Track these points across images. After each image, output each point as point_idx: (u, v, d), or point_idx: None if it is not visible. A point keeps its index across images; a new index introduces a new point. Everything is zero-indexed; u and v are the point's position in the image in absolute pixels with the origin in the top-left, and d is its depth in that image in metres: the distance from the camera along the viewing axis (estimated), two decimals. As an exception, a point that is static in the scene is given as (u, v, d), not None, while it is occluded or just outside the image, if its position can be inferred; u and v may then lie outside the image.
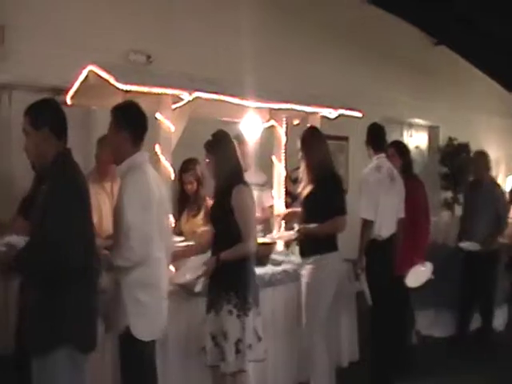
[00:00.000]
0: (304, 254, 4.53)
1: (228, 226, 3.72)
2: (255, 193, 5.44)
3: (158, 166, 4.08)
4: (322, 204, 4.36)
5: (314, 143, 4.53)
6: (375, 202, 4.83)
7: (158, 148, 4.09)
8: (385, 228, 4.89)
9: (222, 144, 3.83)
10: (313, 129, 4.80)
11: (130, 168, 3.34)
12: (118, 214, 3.28)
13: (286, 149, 5.49)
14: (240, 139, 5.40)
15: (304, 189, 4.53)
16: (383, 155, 5.08)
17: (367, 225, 4.83)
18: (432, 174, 10.48)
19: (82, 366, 2.96)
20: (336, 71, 8.38)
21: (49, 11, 5.69)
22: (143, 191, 3.28)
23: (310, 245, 4.45)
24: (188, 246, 4.30)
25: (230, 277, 3.72)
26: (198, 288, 3.81)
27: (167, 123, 4.10)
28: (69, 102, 4.58)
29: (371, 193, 4.85)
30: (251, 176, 5.48)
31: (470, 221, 6.20)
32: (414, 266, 5.19)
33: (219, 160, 3.80)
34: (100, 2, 6.12)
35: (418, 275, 5.24)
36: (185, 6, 6.78)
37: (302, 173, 4.57)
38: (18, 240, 2.95)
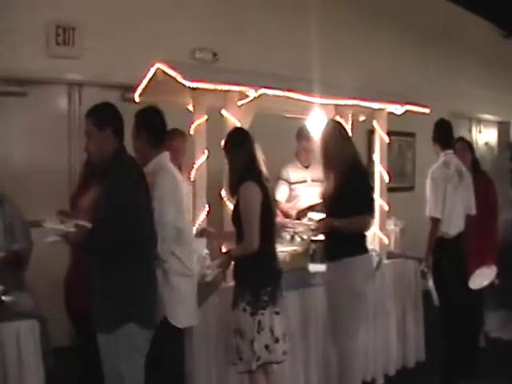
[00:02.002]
0: (330, 257, 4.09)
1: (240, 222, 3.68)
2: (317, 189, 5.43)
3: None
4: (348, 201, 3.88)
5: (331, 140, 4.12)
6: (442, 200, 4.75)
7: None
8: (453, 226, 4.80)
9: (233, 143, 3.78)
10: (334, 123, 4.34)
11: (155, 170, 3.49)
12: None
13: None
14: (304, 135, 5.40)
15: (326, 189, 4.16)
16: (451, 151, 4.99)
17: (434, 223, 4.75)
18: (502, 172, 10.17)
19: (144, 343, 3.12)
20: (402, 66, 8.23)
21: (117, 12, 5.81)
22: (173, 190, 3.47)
23: (337, 247, 4.01)
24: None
25: (244, 274, 3.69)
26: (209, 278, 3.82)
27: (233, 120, 4.13)
28: (137, 99, 4.66)
29: (438, 190, 4.76)
30: (312, 172, 5.47)
31: None
32: (482, 267, 5.06)
33: (232, 159, 3.77)
34: (167, 1, 6.21)
35: (482, 277, 5.11)
36: (250, 3, 6.80)
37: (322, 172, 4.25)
38: (85, 222, 3.09)
